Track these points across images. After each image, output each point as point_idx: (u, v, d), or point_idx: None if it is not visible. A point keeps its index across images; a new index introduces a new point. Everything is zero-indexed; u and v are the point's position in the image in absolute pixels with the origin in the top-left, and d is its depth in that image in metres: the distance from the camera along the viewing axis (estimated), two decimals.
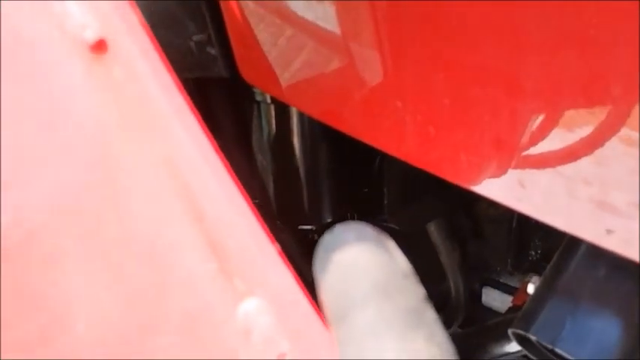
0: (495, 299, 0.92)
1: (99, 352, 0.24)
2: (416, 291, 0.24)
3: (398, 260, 0.25)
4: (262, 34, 0.75)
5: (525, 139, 0.53)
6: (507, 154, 0.57)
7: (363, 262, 0.24)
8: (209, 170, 0.29)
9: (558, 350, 0.54)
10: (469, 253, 0.94)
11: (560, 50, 0.48)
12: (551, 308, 0.56)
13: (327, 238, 0.25)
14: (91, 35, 0.26)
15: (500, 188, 0.54)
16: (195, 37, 0.70)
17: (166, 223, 0.27)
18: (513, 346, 0.74)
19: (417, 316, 0.23)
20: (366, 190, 0.87)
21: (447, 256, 0.82)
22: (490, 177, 0.58)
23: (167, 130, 0.28)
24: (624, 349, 0.53)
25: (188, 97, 0.30)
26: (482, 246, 0.94)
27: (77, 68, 0.26)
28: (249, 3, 0.70)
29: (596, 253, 0.56)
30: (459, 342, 0.86)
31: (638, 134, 0.42)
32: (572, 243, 0.59)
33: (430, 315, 0.23)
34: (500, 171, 0.57)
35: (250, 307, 0.29)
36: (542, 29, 0.49)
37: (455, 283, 0.85)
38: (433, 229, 0.80)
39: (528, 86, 0.52)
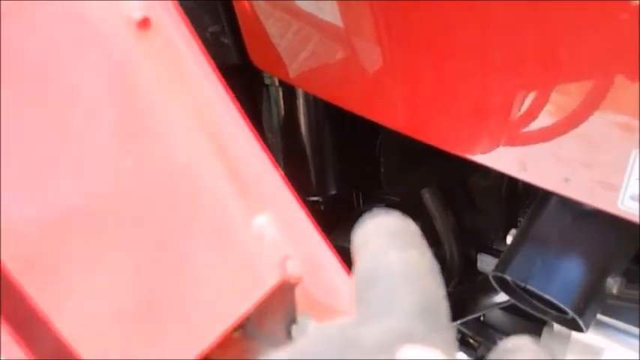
0: (489, 264, 1.00)
1: (143, 248, 0.33)
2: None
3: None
4: (272, 29, 0.83)
5: (514, 117, 0.61)
6: (494, 127, 0.65)
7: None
8: (229, 117, 0.37)
9: (529, 287, 0.62)
10: (465, 224, 1.02)
11: (522, 31, 0.57)
12: (524, 253, 0.64)
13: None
14: (138, 15, 0.36)
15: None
16: (211, 29, 0.79)
17: (197, 156, 0.36)
18: (501, 297, 0.82)
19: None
20: (369, 168, 0.95)
21: (441, 222, 0.90)
22: (484, 148, 0.66)
23: (196, 86, 0.37)
24: (586, 284, 0.62)
25: (212, 62, 0.39)
26: (477, 216, 1.02)
27: (129, 40, 0.35)
28: (261, 3, 0.79)
29: (563, 204, 0.65)
30: (454, 298, 0.94)
31: None
32: (543, 198, 0.67)
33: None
34: (493, 143, 0.65)
35: (262, 220, 0.37)
36: (506, 17, 0.57)
37: (449, 247, 0.93)
38: (427, 196, 0.88)
39: (496, 61, 0.60)
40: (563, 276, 0.61)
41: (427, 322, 0.24)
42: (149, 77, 0.36)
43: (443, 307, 0.25)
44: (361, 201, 1.05)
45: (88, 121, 0.32)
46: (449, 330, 0.24)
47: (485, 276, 0.87)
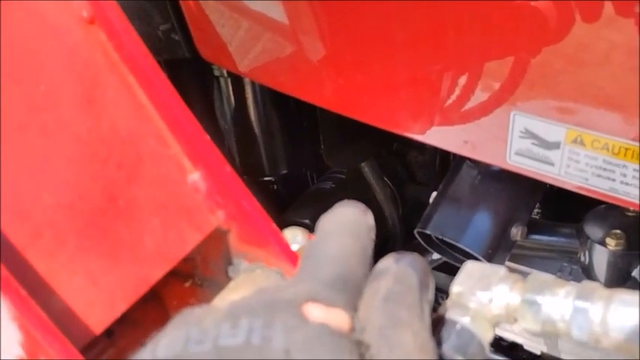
0: None
1: (98, 195, 0.42)
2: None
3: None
4: (223, 29, 0.91)
5: (444, 99, 0.69)
6: (426, 108, 0.73)
7: None
8: (165, 91, 0.46)
9: (446, 239, 0.72)
10: (407, 196, 1.12)
11: (438, 21, 0.66)
12: (441, 210, 0.74)
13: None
14: (86, 14, 0.44)
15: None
16: (162, 27, 0.87)
17: (140, 124, 0.45)
18: (435, 256, 0.91)
19: None
20: (319, 148, 1.04)
21: (380, 192, 1.00)
22: (421, 128, 0.73)
23: (135, 66, 0.45)
24: (493, 233, 0.72)
25: (148, 51, 0.47)
26: (417, 189, 1.12)
27: (80, 32, 0.44)
28: (209, 3, 0.87)
29: (473, 167, 0.75)
30: None
31: None
32: (457, 163, 0.77)
33: None
34: (428, 123, 0.74)
35: (196, 176, 0.46)
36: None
37: (390, 216, 1.02)
38: (366, 169, 0.97)
39: (420, 50, 0.69)
40: (474, 227, 0.71)
41: (338, 290, 0.30)
42: (98, 61, 0.44)
43: (357, 282, 0.32)
44: (315, 179, 1.14)
45: (50, 96, 0.40)
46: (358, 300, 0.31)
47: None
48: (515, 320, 0.40)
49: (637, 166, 0.56)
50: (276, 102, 0.97)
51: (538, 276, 0.40)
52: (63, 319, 0.38)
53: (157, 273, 0.45)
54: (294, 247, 0.50)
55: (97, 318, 0.40)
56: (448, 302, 0.41)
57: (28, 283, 0.36)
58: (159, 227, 0.45)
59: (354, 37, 0.76)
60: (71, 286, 0.40)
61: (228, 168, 0.47)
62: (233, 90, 0.95)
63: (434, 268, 1.02)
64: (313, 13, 0.81)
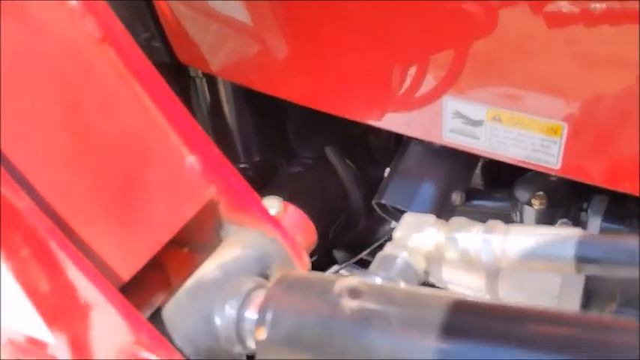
0: None
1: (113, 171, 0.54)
2: None
3: None
4: (195, 32, 1.03)
5: (395, 90, 0.81)
6: (379, 98, 0.86)
7: None
8: (163, 92, 0.58)
9: (398, 206, 0.85)
10: (370, 176, 1.25)
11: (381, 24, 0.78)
12: (394, 183, 0.87)
13: None
14: (98, 35, 0.56)
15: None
16: (143, 35, 0.98)
17: (146, 120, 0.57)
18: (392, 224, 1.05)
19: None
20: (288, 137, 1.17)
21: (344, 175, 1.12)
22: (375, 115, 0.85)
23: (139, 73, 0.57)
24: (437, 199, 0.85)
25: (149, 61, 0.59)
26: (377, 169, 1.25)
27: (93, 50, 0.55)
28: (180, 7, 0.98)
29: (419, 144, 0.88)
30: (361, 234, 1.18)
31: None
32: (406, 142, 0.90)
33: None
34: (381, 111, 0.87)
35: (192, 159, 0.58)
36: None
37: (354, 195, 1.15)
38: (331, 154, 1.10)
39: (369, 47, 0.82)
40: (421, 196, 0.85)
41: None
42: (109, 72, 0.56)
43: None
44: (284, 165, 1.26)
45: (77, 103, 0.52)
46: None
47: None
48: (442, 255, 0.53)
49: (544, 136, 0.70)
50: (247, 96, 1.09)
51: (457, 220, 0.54)
52: (101, 269, 0.50)
53: (165, 236, 0.57)
54: (272, 212, 0.63)
55: (125, 268, 0.53)
56: (392, 243, 0.54)
57: (76, 243, 0.49)
58: (165, 201, 0.57)
59: (313, 37, 0.88)
60: (105, 245, 0.52)
61: (217, 151, 0.59)
62: (208, 88, 1.07)
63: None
64: (274, 14, 0.93)
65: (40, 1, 0.52)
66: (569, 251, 0.47)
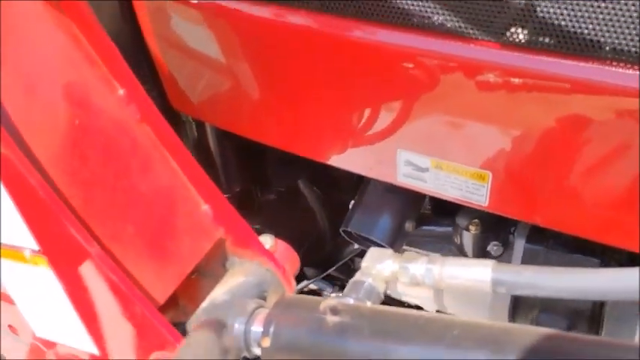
0: None
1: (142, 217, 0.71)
2: None
3: None
4: (186, 85, 1.17)
5: (359, 140, 0.98)
6: (346, 146, 1.04)
7: None
8: (187, 157, 0.76)
9: (362, 234, 1.04)
10: (336, 202, 1.43)
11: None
12: (358, 213, 1.06)
13: None
14: (139, 116, 0.73)
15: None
16: (144, 87, 1.15)
17: (175, 181, 0.74)
18: (355, 246, 1.24)
19: None
20: (264, 168, 1.34)
21: (313, 201, 1.31)
22: (345, 159, 1.02)
23: (154, 123, 0.75)
24: (393, 228, 1.05)
25: (173, 131, 0.76)
26: (343, 196, 1.44)
27: (136, 128, 0.73)
28: (176, 61, 1.14)
29: (380, 182, 1.07)
30: (329, 254, 1.36)
31: None
32: (367, 181, 1.09)
33: None
34: (349, 156, 1.04)
35: (206, 207, 0.76)
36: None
37: (321, 218, 1.34)
38: (302, 185, 1.28)
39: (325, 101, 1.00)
40: (380, 224, 1.04)
41: None
42: (146, 144, 0.73)
43: None
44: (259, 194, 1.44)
45: (126, 169, 0.70)
46: None
47: None
48: (397, 279, 0.72)
49: (475, 181, 0.89)
50: (230, 136, 1.26)
51: (408, 253, 0.73)
52: (145, 294, 0.67)
53: (189, 267, 0.75)
54: (267, 246, 0.81)
55: (161, 293, 0.70)
56: (360, 271, 0.73)
57: (128, 276, 0.66)
58: (188, 239, 0.74)
59: (285, 92, 1.05)
60: (145, 275, 0.69)
61: (225, 200, 0.77)
62: (197, 131, 1.24)
63: (355, 255, 1.35)
64: (254, 75, 1.08)
65: (99, 89, 0.69)
66: (486, 276, 0.66)
